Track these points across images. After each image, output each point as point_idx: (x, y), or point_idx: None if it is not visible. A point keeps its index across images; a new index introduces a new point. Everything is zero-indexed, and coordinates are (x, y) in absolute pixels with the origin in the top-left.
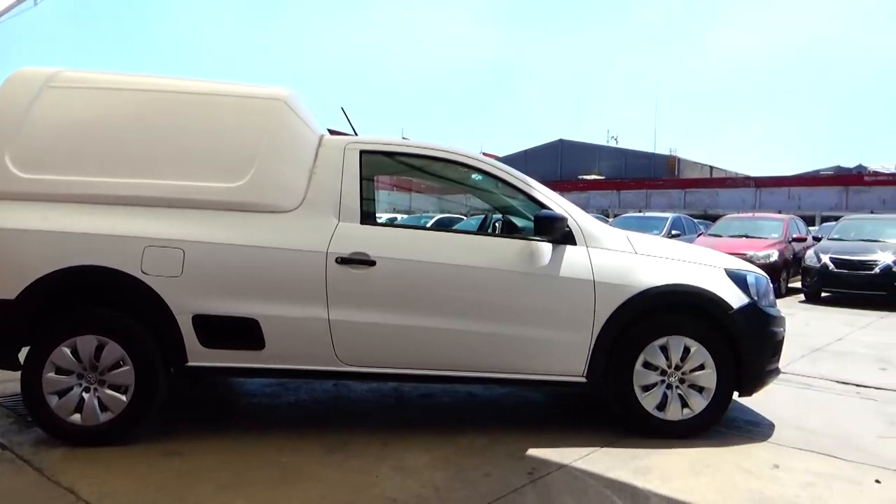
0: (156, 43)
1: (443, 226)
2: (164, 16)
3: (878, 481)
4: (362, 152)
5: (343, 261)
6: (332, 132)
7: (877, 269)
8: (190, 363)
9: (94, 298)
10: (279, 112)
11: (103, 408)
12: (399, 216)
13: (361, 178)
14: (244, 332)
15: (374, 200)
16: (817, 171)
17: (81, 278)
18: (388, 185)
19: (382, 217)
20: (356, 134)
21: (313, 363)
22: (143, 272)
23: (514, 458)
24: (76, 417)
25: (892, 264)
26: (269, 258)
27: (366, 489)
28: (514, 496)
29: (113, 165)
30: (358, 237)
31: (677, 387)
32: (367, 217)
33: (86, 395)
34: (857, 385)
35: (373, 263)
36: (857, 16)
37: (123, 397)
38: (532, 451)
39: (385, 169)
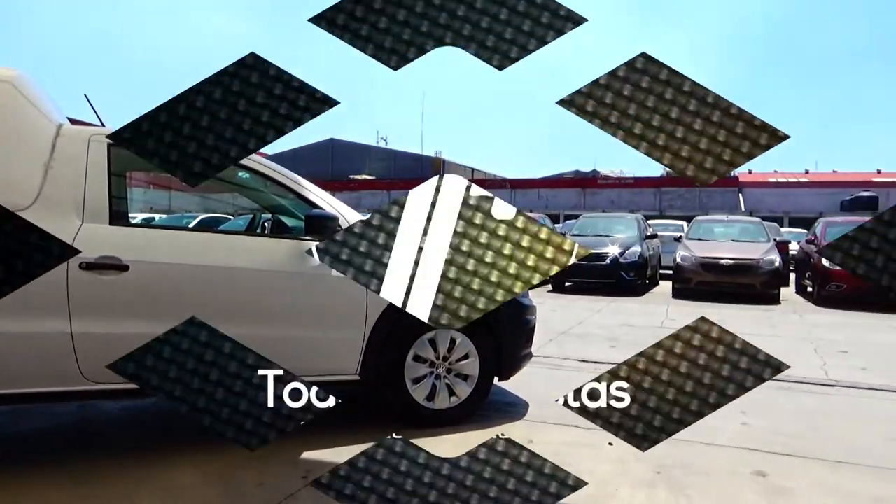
0: None
1: (207, 226)
2: None
3: (610, 444)
4: (111, 145)
5: (88, 266)
6: (73, 122)
7: (607, 261)
8: None
9: None
10: (4, 95)
11: None
12: (157, 216)
13: (110, 174)
14: None
15: (126, 199)
16: (561, 175)
17: None
18: (144, 182)
19: (137, 217)
20: (103, 125)
21: (52, 384)
22: None
23: (289, 464)
24: None
25: (618, 256)
26: None
27: None
28: (288, 502)
29: None
30: (106, 239)
31: (445, 377)
32: (118, 217)
33: None
34: (595, 362)
35: (125, 268)
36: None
37: None
38: (307, 455)
39: (139, 164)
